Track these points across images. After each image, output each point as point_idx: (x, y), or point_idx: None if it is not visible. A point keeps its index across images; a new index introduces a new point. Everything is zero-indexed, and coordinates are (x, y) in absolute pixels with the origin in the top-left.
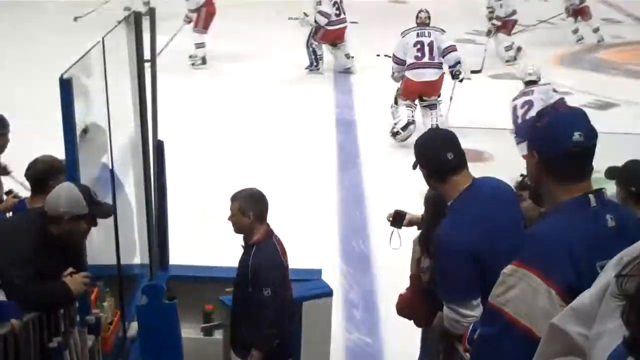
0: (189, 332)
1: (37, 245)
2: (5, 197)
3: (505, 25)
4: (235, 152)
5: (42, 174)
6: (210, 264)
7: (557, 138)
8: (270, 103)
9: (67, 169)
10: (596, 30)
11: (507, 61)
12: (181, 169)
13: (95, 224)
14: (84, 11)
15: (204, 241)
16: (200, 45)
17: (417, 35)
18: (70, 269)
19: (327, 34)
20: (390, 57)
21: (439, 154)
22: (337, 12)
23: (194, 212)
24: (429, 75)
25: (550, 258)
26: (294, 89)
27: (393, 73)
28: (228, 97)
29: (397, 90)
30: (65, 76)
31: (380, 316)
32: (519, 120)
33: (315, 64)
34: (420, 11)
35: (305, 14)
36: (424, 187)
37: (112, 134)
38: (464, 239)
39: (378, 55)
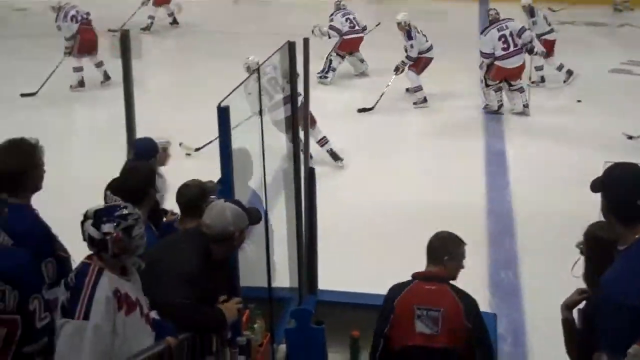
0: (335, 357)
1: (202, 266)
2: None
3: (416, 64)
4: (378, 175)
5: (196, 197)
6: (360, 291)
7: None
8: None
9: (223, 192)
10: (559, 67)
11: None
12: (330, 193)
13: None
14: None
15: (355, 267)
16: (77, 70)
17: (498, 30)
18: (223, 296)
19: (344, 44)
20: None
21: (631, 199)
22: (352, 25)
23: (343, 237)
24: (518, 61)
25: None
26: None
27: (482, 63)
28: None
29: (486, 74)
30: (222, 104)
31: (530, 351)
32: None
33: (326, 71)
34: (489, 10)
35: (318, 28)
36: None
37: (265, 159)
38: (630, 292)
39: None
